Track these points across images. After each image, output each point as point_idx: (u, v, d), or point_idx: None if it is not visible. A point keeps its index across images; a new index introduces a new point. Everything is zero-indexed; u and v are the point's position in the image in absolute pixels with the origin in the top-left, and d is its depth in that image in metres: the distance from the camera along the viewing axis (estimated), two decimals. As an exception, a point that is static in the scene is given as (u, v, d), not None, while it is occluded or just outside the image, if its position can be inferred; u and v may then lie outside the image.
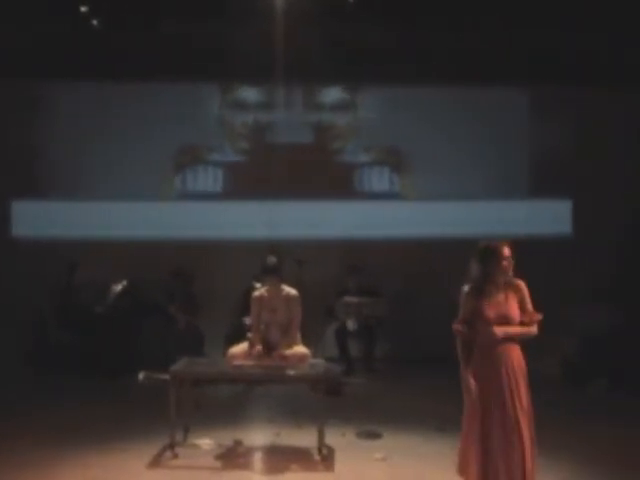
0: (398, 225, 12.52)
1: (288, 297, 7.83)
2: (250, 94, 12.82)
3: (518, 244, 5.68)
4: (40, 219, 12.33)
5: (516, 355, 5.56)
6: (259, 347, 7.63)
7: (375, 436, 7.94)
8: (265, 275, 7.93)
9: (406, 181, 12.81)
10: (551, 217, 12.68)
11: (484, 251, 5.58)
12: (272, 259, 7.91)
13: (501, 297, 5.57)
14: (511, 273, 5.61)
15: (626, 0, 10.55)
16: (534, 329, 5.55)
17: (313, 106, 12.79)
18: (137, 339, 11.03)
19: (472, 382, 5.51)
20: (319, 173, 12.60)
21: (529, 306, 5.58)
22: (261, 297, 7.91)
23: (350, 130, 12.81)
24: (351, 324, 11.14)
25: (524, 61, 11.83)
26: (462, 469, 5.58)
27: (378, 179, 12.84)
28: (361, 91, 12.81)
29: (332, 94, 12.87)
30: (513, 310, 5.55)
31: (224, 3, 10.80)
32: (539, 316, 5.55)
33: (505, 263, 5.55)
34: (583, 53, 11.68)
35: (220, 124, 12.72)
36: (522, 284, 5.62)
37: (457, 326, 5.61)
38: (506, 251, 5.56)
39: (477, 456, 5.45)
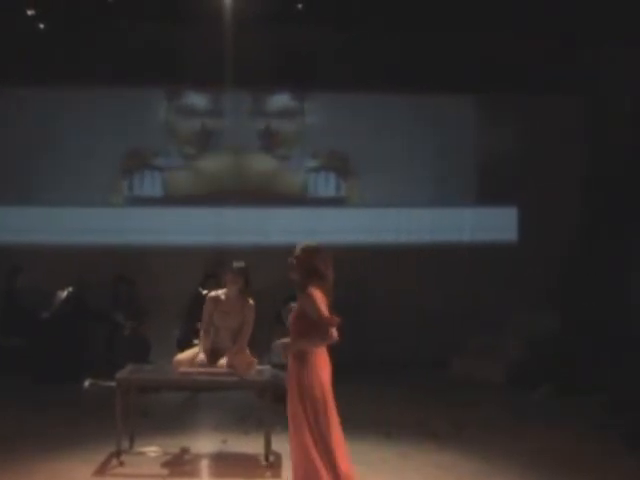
0: (343, 231, 12.49)
1: (244, 304, 7.68)
2: (197, 100, 12.77)
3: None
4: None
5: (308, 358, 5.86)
6: (202, 356, 7.53)
7: (322, 443, 7.93)
8: (232, 276, 7.69)
9: (352, 186, 12.84)
10: (497, 224, 12.77)
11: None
12: (240, 262, 7.78)
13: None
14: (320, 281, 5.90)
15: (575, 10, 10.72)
16: (304, 340, 5.74)
17: (260, 112, 12.75)
18: (82, 345, 10.95)
19: None
20: (267, 179, 12.61)
21: (311, 314, 5.67)
22: (217, 298, 7.73)
23: (297, 136, 12.81)
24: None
25: (471, 67, 11.95)
26: None
27: (325, 185, 12.86)
28: (308, 98, 12.82)
29: (279, 100, 12.87)
30: (291, 318, 5.72)
31: (173, 10, 10.77)
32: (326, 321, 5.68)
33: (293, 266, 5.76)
34: (531, 60, 11.81)
35: (166, 129, 12.64)
36: (309, 293, 5.74)
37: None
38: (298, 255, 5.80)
39: None
